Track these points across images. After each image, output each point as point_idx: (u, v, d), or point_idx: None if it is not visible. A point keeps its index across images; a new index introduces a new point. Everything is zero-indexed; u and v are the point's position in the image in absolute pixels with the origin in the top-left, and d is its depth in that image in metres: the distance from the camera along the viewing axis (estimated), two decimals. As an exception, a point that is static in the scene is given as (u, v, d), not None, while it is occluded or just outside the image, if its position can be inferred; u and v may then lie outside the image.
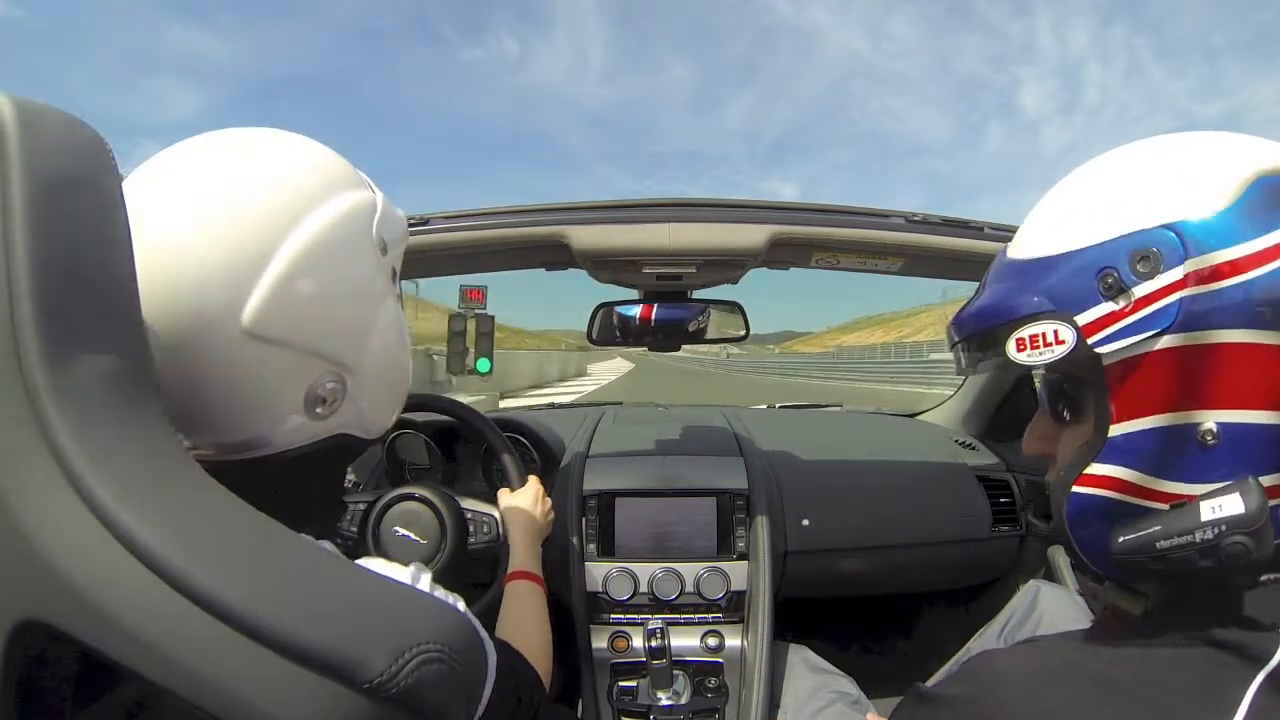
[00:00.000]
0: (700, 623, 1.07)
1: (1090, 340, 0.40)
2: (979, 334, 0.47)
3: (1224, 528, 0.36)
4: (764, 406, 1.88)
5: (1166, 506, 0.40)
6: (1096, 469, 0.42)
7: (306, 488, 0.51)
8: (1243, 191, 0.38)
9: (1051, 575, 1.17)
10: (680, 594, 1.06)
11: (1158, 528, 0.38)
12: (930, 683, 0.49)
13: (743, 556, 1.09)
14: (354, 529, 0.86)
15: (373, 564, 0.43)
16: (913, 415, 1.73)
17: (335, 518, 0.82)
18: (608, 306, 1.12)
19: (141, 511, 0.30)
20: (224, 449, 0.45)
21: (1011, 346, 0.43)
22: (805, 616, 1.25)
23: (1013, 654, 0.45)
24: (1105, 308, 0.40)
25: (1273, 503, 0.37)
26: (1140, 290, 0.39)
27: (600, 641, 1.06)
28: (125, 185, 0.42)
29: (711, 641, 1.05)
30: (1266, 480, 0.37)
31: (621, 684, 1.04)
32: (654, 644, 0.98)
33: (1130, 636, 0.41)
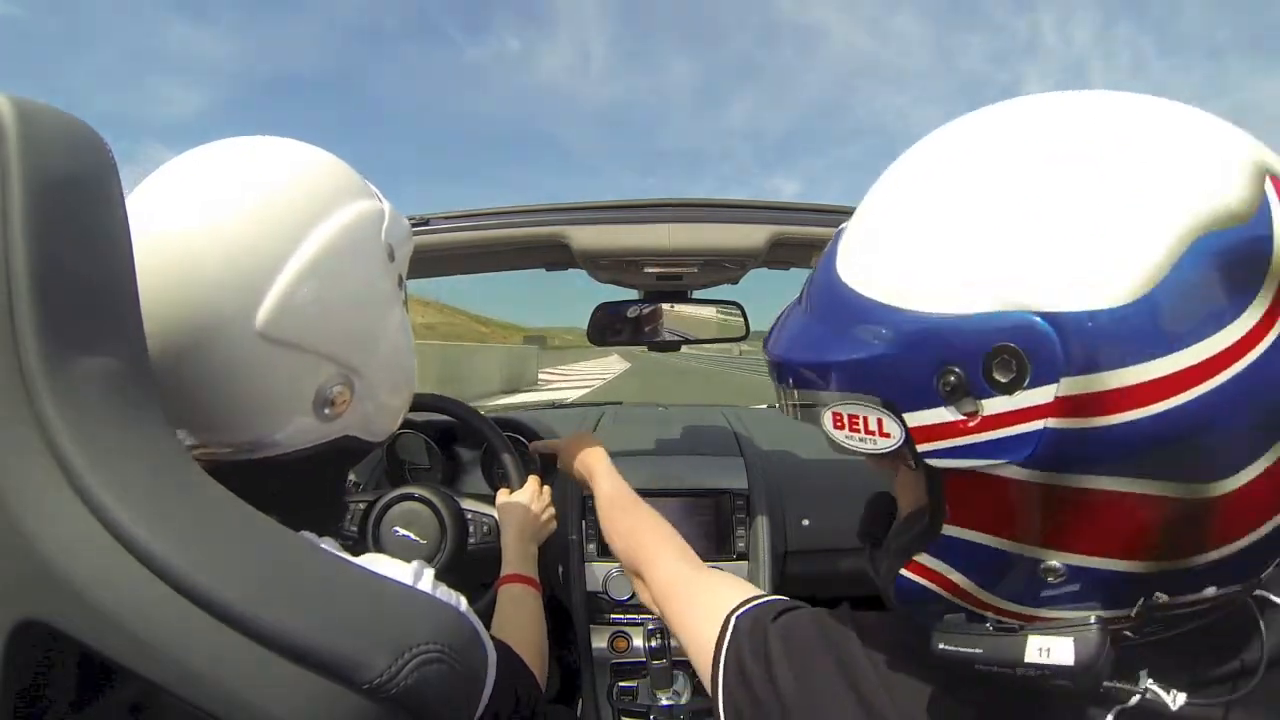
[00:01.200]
0: None
1: (920, 448, 0.31)
2: (794, 384, 0.39)
3: (1047, 672, 0.29)
4: (764, 406, 1.88)
5: (994, 619, 0.34)
6: (927, 560, 0.35)
7: (309, 489, 0.52)
8: (1172, 265, 0.26)
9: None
10: None
11: (979, 650, 0.31)
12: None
13: (742, 556, 1.09)
14: (354, 529, 0.86)
15: (375, 562, 0.43)
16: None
17: (337, 518, 0.82)
18: (607, 306, 1.13)
19: (141, 511, 0.30)
20: (231, 448, 0.46)
21: (828, 420, 0.36)
22: None
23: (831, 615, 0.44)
24: (941, 414, 0.30)
25: (1115, 628, 0.30)
26: (991, 407, 0.29)
27: (600, 641, 1.06)
28: (140, 190, 0.43)
29: None
30: (1113, 614, 0.31)
31: (621, 684, 1.04)
32: (654, 644, 0.98)
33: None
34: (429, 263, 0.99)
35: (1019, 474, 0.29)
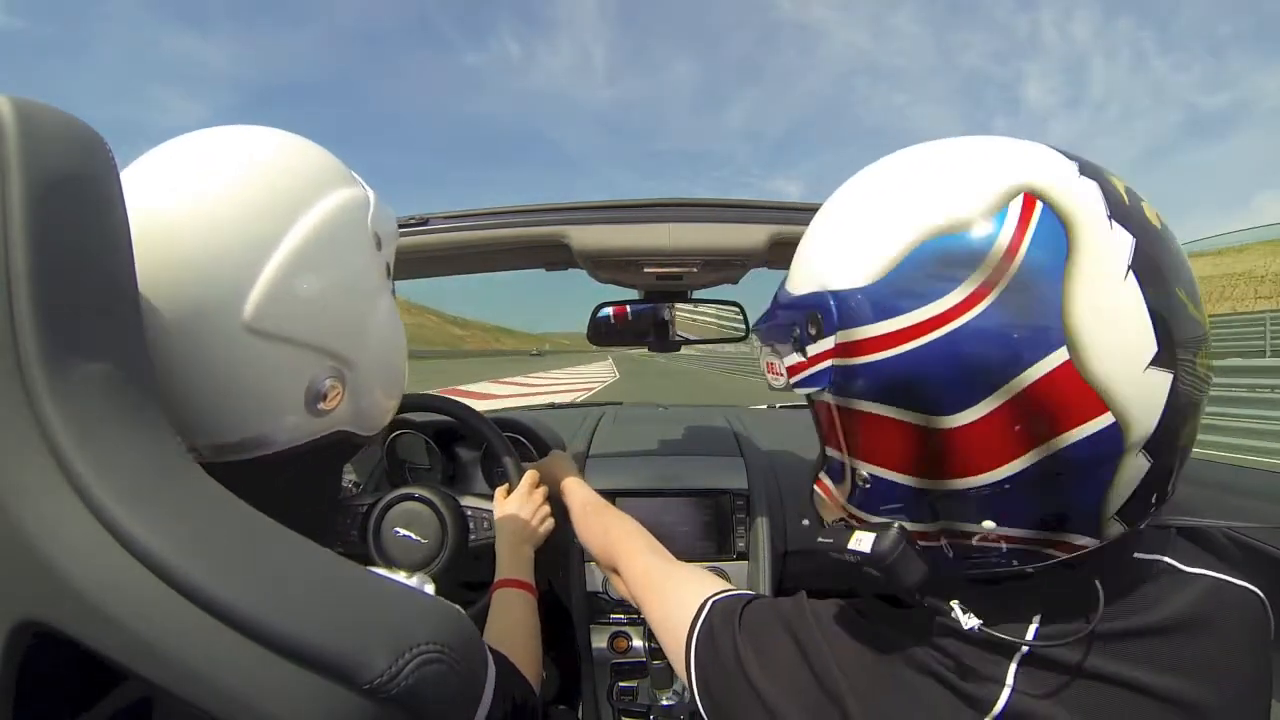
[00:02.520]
0: None
1: (790, 381, 0.45)
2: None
3: (858, 559, 0.42)
4: (764, 406, 1.88)
5: (847, 522, 0.46)
6: (822, 476, 0.50)
7: (305, 487, 0.51)
8: (898, 262, 0.39)
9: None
10: None
11: (830, 540, 0.45)
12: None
13: (743, 556, 1.09)
14: (355, 532, 0.86)
15: (377, 574, 0.43)
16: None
17: (335, 517, 0.82)
18: (606, 307, 1.12)
19: (141, 512, 0.30)
20: (223, 450, 0.45)
21: (764, 366, 0.49)
22: None
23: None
24: (795, 357, 0.45)
25: (925, 543, 0.42)
26: (810, 350, 0.43)
27: (600, 641, 1.06)
28: (125, 179, 0.42)
29: None
30: (916, 526, 0.42)
31: (621, 684, 1.04)
32: (654, 644, 0.98)
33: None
34: (429, 263, 0.99)
35: (829, 399, 0.43)
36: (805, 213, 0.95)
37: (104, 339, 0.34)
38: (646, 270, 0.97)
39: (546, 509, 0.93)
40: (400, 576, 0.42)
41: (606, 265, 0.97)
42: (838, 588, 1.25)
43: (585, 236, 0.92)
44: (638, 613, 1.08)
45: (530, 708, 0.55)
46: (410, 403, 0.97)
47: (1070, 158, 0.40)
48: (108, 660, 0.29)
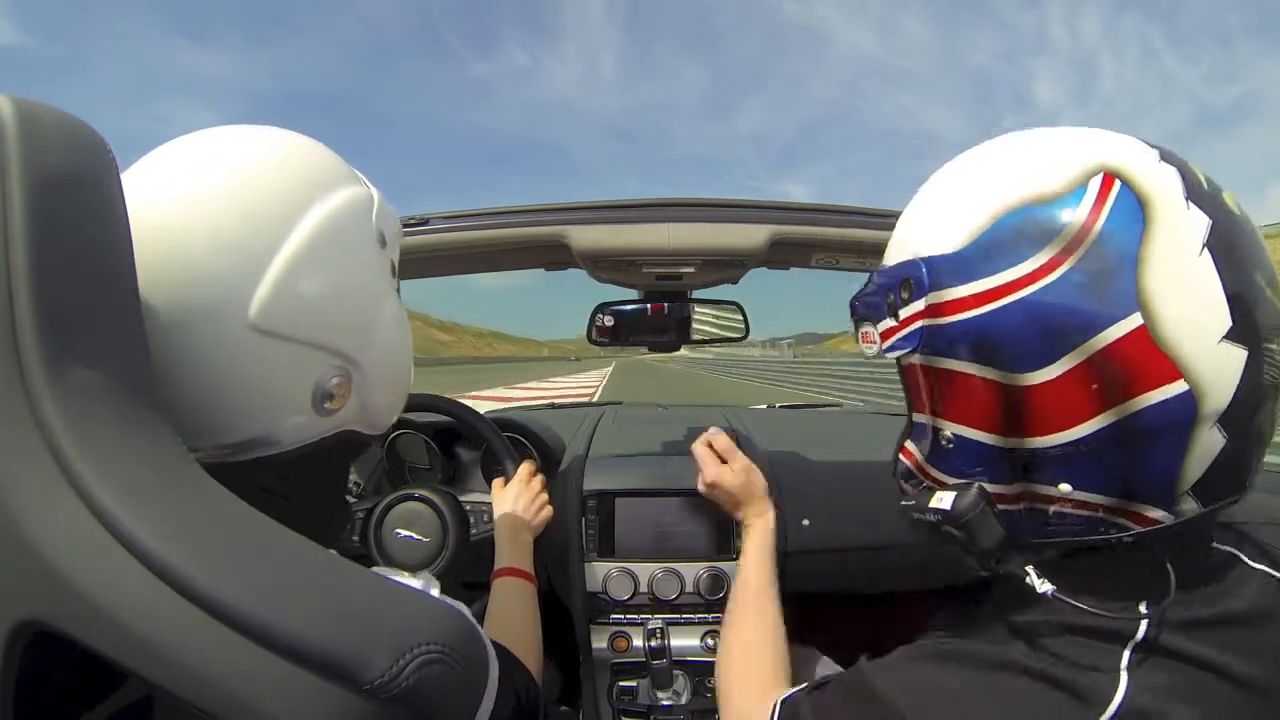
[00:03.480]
0: (700, 623, 1.06)
1: (883, 346, 0.49)
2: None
3: (939, 518, 0.45)
4: (764, 406, 1.89)
5: (929, 485, 0.49)
6: (908, 443, 0.52)
7: (311, 488, 0.51)
8: (984, 229, 0.42)
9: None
10: (680, 594, 1.06)
11: (913, 502, 0.49)
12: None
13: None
14: (356, 534, 0.86)
15: (383, 575, 0.42)
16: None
17: (340, 520, 0.82)
18: (606, 307, 1.12)
19: (142, 512, 0.30)
20: (229, 450, 0.44)
21: (858, 337, 0.53)
22: (806, 617, 1.25)
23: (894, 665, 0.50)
24: (889, 322, 0.48)
25: (1005, 506, 0.44)
26: (902, 313, 0.46)
27: (600, 641, 1.06)
28: (128, 179, 0.42)
29: (711, 641, 1.05)
30: (996, 488, 0.44)
31: (621, 684, 1.04)
32: (654, 644, 0.98)
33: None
34: (428, 263, 0.99)
35: (918, 360, 0.46)
36: (805, 213, 0.95)
37: (105, 339, 0.34)
38: (646, 270, 0.97)
39: (544, 497, 0.93)
40: (404, 577, 0.42)
41: (606, 265, 0.97)
42: (838, 589, 1.26)
43: (585, 236, 0.92)
44: (638, 613, 1.09)
45: (532, 699, 0.55)
46: (411, 403, 0.97)
47: (1153, 147, 0.42)
48: (108, 660, 0.29)
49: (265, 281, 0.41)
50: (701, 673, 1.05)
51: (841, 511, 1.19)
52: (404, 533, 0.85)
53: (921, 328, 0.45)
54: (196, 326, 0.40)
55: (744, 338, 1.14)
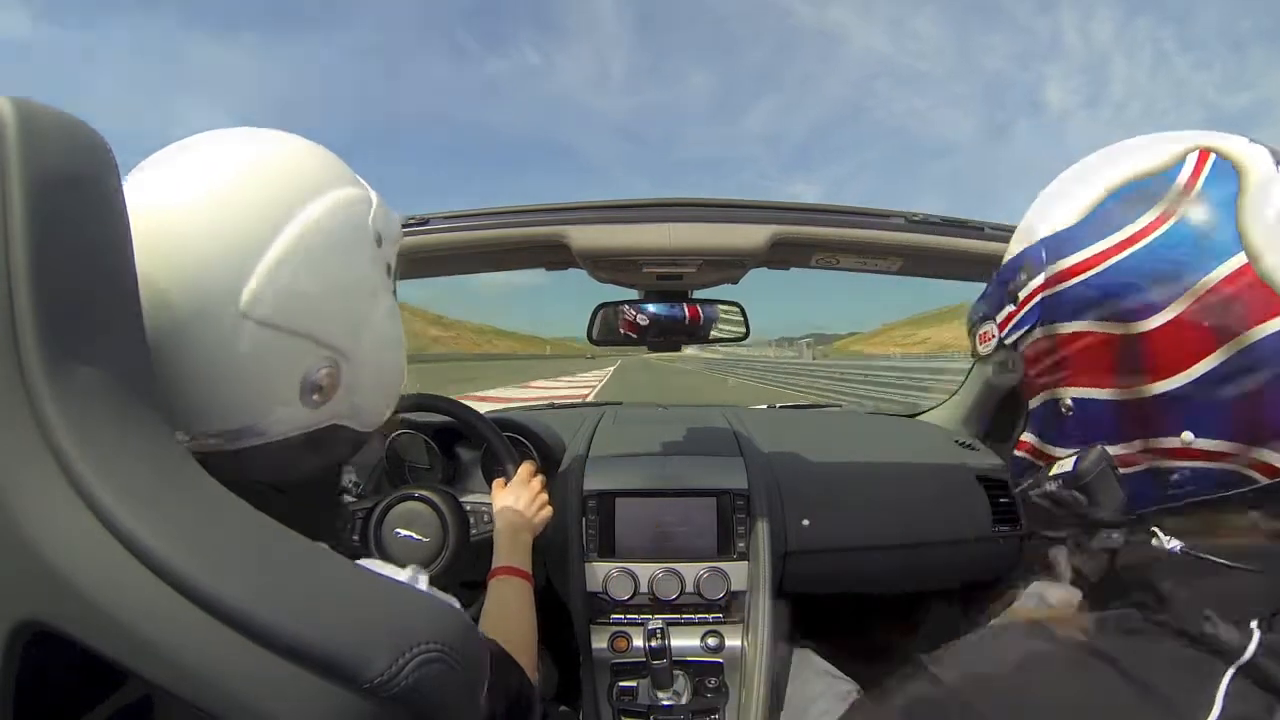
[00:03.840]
0: (700, 623, 1.06)
1: (1002, 335, 0.51)
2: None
3: (1061, 482, 0.47)
4: (764, 406, 1.89)
5: (1048, 465, 0.50)
6: (1025, 435, 0.53)
7: (302, 484, 0.51)
8: (1094, 206, 0.46)
9: (1053, 575, 1.17)
10: (680, 594, 1.06)
11: (1032, 480, 0.51)
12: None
13: (743, 557, 1.09)
14: (355, 534, 0.86)
15: (371, 565, 0.43)
16: (913, 416, 1.73)
17: (334, 516, 0.82)
18: (607, 306, 1.12)
19: (142, 511, 0.30)
20: (218, 438, 0.45)
21: (976, 340, 0.55)
22: (805, 617, 1.25)
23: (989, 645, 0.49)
24: (1008, 310, 0.51)
25: (1126, 470, 0.45)
26: (1022, 294, 0.49)
27: (600, 641, 1.06)
28: (130, 176, 0.42)
29: (712, 641, 1.05)
30: (1117, 449, 0.45)
31: (621, 684, 1.04)
32: (654, 644, 0.98)
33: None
34: (429, 263, 1.00)
35: (1038, 334, 0.48)
36: (805, 213, 0.95)
37: (105, 338, 0.34)
38: (646, 270, 0.97)
39: (544, 497, 0.93)
40: (390, 569, 0.43)
41: (606, 265, 0.97)
42: (837, 590, 1.26)
43: (585, 236, 0.92)
44: (638, 612, 1.09)
45: (527, 697, 0.55)
46: (411, 403, 0.97)
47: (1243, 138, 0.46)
48: (108, 660, 0.29)
49: (258, 272, 0.42)
50: (701, 673, 1.05)
51: (841, 511, 1.19)
52: (404, 532, 0.85)
53: (1041, 299, 0.48)
54: (188, 315, 0.41)
55: (744, 338, 1.14)
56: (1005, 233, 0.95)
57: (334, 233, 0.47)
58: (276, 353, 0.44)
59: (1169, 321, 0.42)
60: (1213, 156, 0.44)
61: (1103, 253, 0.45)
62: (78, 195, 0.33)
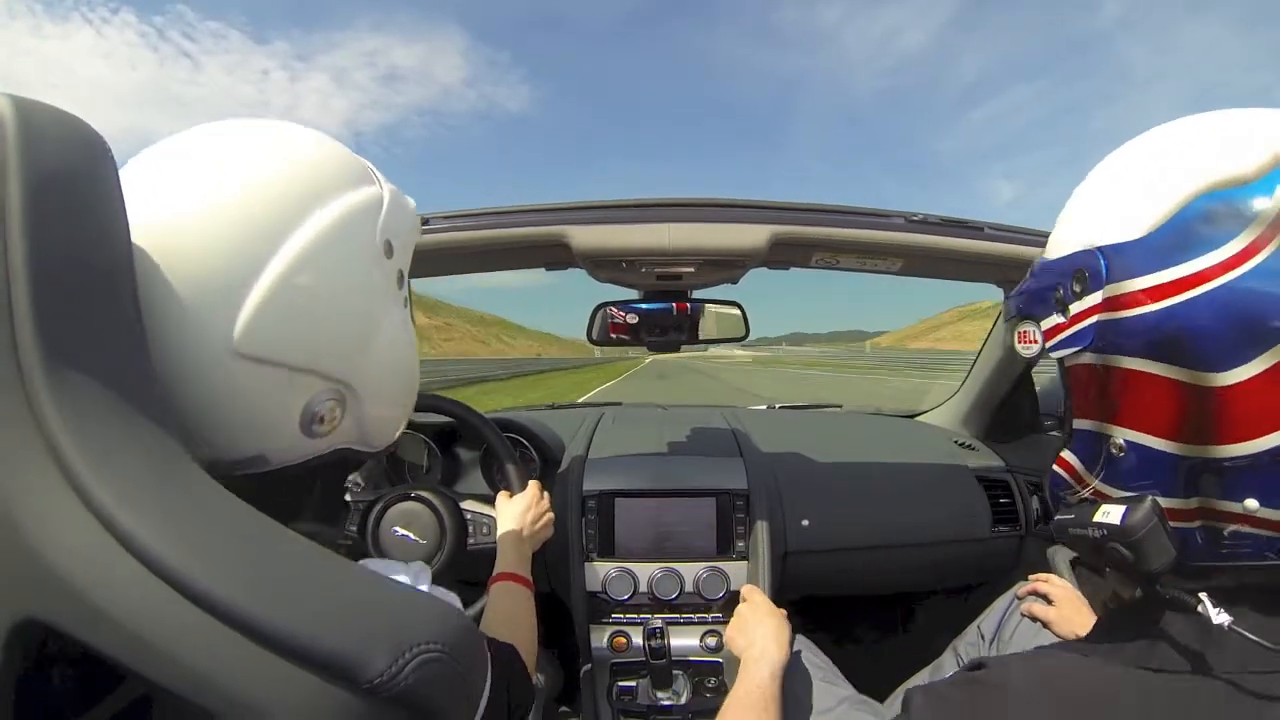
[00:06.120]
0: (700, 623, 1.07)
1: (1047, 345, 0.45)
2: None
3: (1105, 533, 0.40)
4: (764, 407, 1.89)
5: (1091, 499, 0.45)
6: (1065, 453, 0.47)
7: (304, 501, 0.50)
8: (1174, 213, 0.38)
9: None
10: (680, 594, 1.06)
11: (1071, 516, 0.45)
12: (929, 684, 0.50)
13: (742, 557, 1.09)
14: (353, 529, 0.86)
15: (373, 564, 0.43)
16: (912, 416, 1.73)
17: (335, 524, 0.82)
18: (607, 306, 1.12)
19: (140, 510, 0.30)
20: (218, 466, 0.43)
21: (1015, 337, 0.49)
22: (805, 617, 1.26)
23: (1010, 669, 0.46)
24: (1055, 319, 0.44)
25: (1178, 524, 0.39)
26: (1074, 308, 0.42)
27: (600, 641, 1.06)
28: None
29: (711, 641, 1.05)
30: (1170, 503, 0.40)
31: (621, 683, 1.04)
32: (654, 644, 0.99)
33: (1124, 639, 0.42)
34: (429, 262, 0.99)
35: (1090, 359, 0.42)
36: (805, 213, 0.95)
37: (102, 337, 0.34)
38: (646, 270, 0.97)
39: (550, 516, 0.93)
40: (396, 566, 0.42)
41: (606, 265, 0.97)
42: (837, 591, 1.26)
43: (585, 236, 0.92)
44: (638, 612, 1.09)
45: (527, 699, 0.55)
46: None
47: None
48: (107, 659, 0.29)
49: (247, 307, 0.39)
50: (701, 672, 1.05)
51: (841, 512, 1.19)
52: (401, 531, 0.85)
53: (1097, 323, 0.40)
54: (178, 352, 0.39)
55: (744, 337, 1.14)
56: (1005, 233, 0.95)
57: (331, 256, 0.42)
58: (274, 387, 0.41)
59: (1253, 378, 0.35)
60: None
61: (1179, 281, 0.37)
62: (76, 192, 0.33)
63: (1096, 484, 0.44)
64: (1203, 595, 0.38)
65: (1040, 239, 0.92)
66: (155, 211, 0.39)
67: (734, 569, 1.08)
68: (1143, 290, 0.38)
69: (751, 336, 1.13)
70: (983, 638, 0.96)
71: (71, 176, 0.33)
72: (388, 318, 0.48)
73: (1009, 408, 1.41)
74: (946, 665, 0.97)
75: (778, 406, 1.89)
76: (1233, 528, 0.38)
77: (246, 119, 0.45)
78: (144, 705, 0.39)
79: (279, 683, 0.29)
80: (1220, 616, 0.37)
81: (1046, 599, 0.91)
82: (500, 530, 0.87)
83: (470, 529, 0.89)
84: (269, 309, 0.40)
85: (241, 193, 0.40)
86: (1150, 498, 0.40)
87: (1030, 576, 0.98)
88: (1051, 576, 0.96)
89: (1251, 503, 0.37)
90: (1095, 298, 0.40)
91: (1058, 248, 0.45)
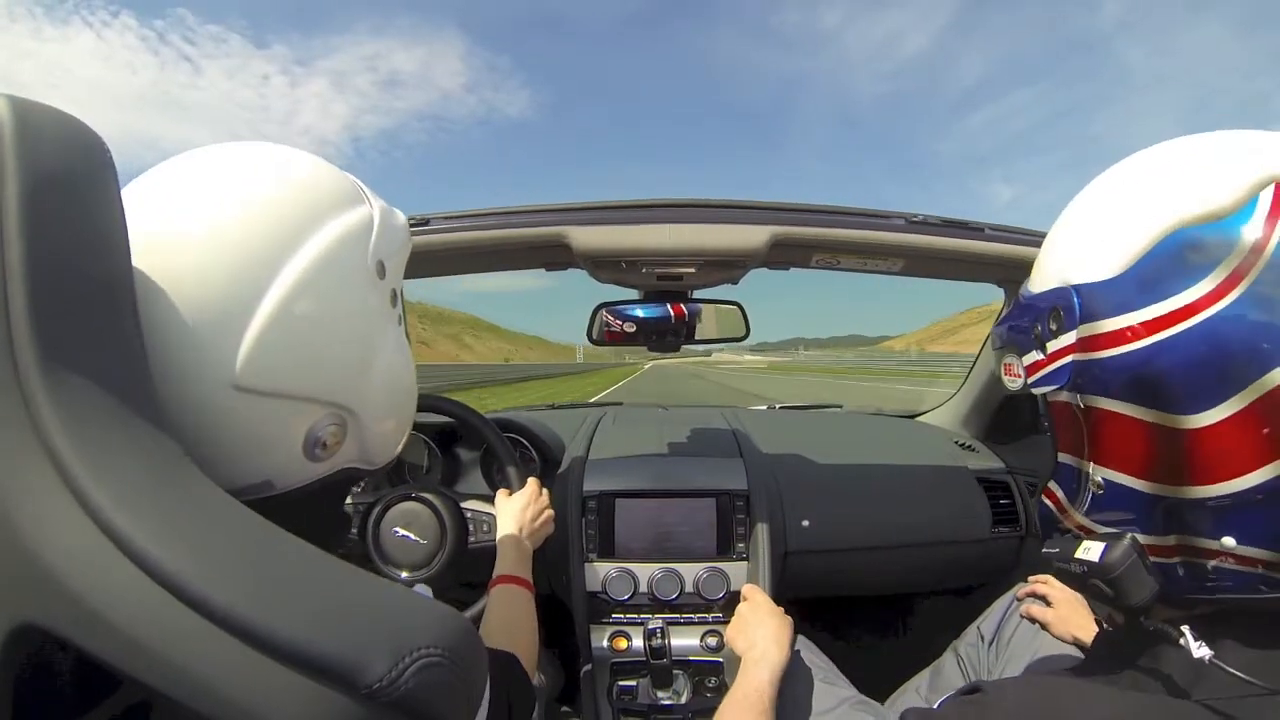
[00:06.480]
0: (700, 623, 1.07)
1: (1028, 381, 0.45)
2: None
3: (1085, 569, 0.41)
4: (764, 407, 1.88)
5: (1075, 533, 0.45)
6: (1052, 485, 0.48)
7: (307, 518, 0.50)
8: (1147, 251, 0.37)
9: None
10: (680, 594, 1.06)
11: (1056, 550, 0.45)
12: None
13: (742, 557, 1.09)
14: (354, 530, 0.86)
15: (374, 576, 0.42)
16: (913, 416, 1.73)
17: (337, 536, 0.82)
18: (607, 307, 1.12)
19: (138, 515, 0.30)
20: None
21: (1001, 369, 0.49)
22: (805, 617, 1.26)
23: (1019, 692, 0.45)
24: (1034, 355, 0.44)
25: (1159, 559, 0.40)
26: (1051, 346, 0.42)
27: (600, 641, 1.06)
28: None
29: (711, 641, 1.05)
30: (1149, 539, 0.40)
31: (621, 683, 1.04)
32: (654, 644, 0.98)
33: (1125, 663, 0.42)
34: (429, 263, 0.99)
35: (1066, 398, 0.42)
36: (805, 213, 0.95)
37: (101, 338, 0.34)
38: (646, 270, 0.97)
39: (550, 513, 0.93)
40: (392, 573, 0.42)
41: (607, 265, 0.97)
42: (837, 591, 1.26)
43: (585, 237, 0.92)
44: (638, 612, 1.09)
45: (528, 703, 0.55)
46: None
47: None
48: (104, 664, 0.29)
49: (246, 342, 0.39)
50: (701, 672, 1.05)
51: (841, 512, 1.19)
52: (402, 532, 0.85)
53: (1072, 363, 0.40)
54: (179, 383, 0.39)
55: (744, 337, 1.14)
56: (1005, 233, 0.95)
57: (326, 284, 0.42)
58: (275, 418, 0.42)
59: (1223, 420, 0.35)
60: None
61: (1150, 323, 0.36)
62: (74, 194, 0.33)
63: (1079, 518, 0.45)
64: (1185, 629, 0.38)
65: (1040, 240, 0.92)
66: (155, 231, 0.39)
67: (734, 569, 1.08)
68: (1113, 331, 0.38)
69: (751, 339, 1.13)
70: (982, 639, 0.96)
71: (70, 177, 0.33)
72: (385, 339, 0.48)
73: (1009, 409, 1.40)
74: (946, 666, 0.97)
75: (778, 407, 1.89)
76: (1214, 563, 0.38)
77: (243, 141, 0.45)
78: (142, 710, 0.38)
79: (276, 688, 0.29)
80: (1201, 650, 0.36)
81: (1045, 600, 0.92)
82: (500, 529, 0.87)
83: (470, 527, 0.89)
84: (270, 339, 0.40)
85: (242, 212, 0.40)
86: (1130, 535, 0.40)
87: (1029, 578, 0.98)
88: (1050, 578, 0.96)
89: (1229, 540, 0.37)
90: (1070, 337, 0.40)
91: (1040, 279, 0.45)
